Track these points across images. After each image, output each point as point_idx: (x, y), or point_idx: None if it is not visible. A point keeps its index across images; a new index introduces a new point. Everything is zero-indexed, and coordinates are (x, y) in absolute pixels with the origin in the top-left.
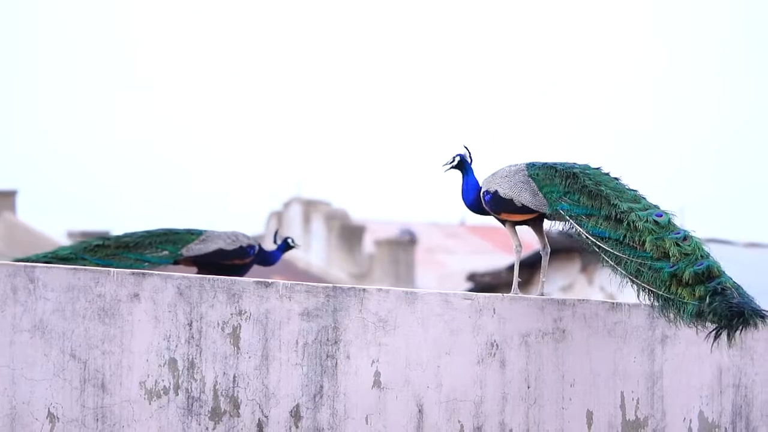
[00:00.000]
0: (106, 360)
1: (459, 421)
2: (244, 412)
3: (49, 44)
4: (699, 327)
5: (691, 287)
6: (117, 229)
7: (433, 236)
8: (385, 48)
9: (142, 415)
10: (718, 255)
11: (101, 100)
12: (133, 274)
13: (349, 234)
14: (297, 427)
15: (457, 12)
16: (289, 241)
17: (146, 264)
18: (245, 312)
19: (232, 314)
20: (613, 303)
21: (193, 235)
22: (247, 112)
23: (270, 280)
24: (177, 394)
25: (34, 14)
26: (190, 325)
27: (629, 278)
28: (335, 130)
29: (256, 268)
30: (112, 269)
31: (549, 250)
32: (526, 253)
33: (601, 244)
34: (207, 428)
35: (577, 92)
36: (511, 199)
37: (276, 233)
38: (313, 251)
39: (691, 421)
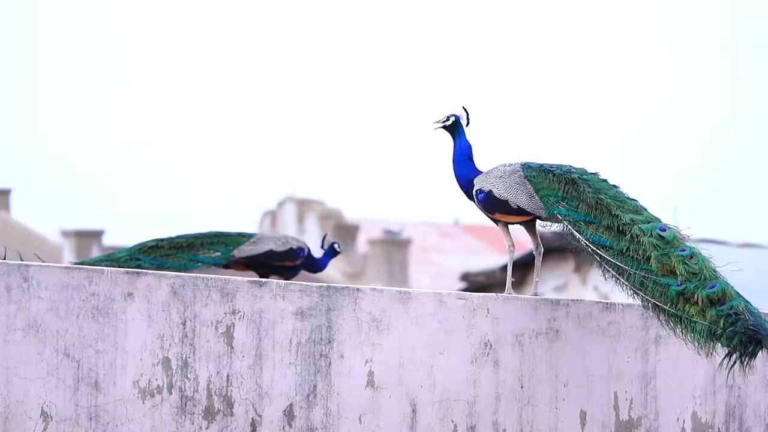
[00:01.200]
0: (99, 359)
1: (452, 421)
2: (237, 412)
3: (44, 43)
4: (708, 348)
5: (700, 307)
6: (111, 228)
7: (427, 236)
8: (380, 47)
9: (136, 414)
10: (714, 255)
11: (95, 99)
12: (127, 273)
13: (343, 233)
14: (290, 426)
15: (451, 13)
16: (336, 246)
17: (199, 264)
18: (239, 311)
19: (225, 313)
20: (607, 303)
21: (244, 237)
22: (242, 111)
23: (264, 280)
24: (170, 393)
25: (30, 13)
26: (184, 324)
27: (632, 289)
28: (329, 129)
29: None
30: (105, 268)
31: (542, 250)
32: (519, 252)
33: (602, 253)
34: (200, 427)
35: (573, 91)
36: (507, 201)
37: (324, 239)
38: None
39: (684, 421)
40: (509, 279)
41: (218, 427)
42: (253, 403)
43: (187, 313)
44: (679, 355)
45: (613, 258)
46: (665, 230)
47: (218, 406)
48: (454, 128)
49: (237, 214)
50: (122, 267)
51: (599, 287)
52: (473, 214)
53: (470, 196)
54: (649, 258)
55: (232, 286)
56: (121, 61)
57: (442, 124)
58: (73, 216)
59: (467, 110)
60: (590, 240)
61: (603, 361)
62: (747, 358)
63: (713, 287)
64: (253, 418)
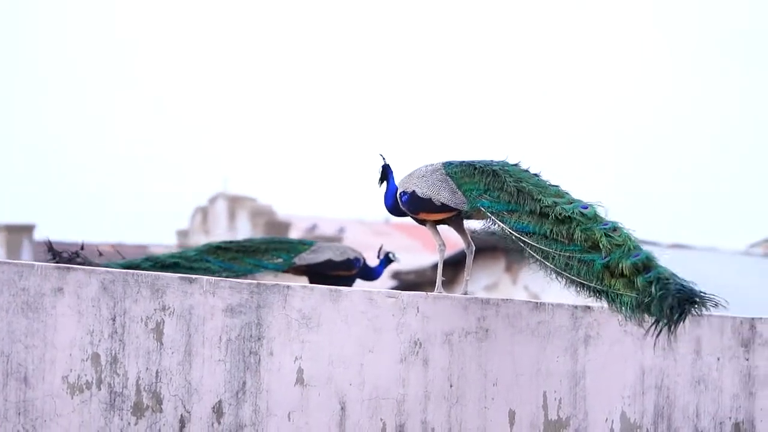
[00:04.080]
0: (29, 354)
1: (381, 419)
2: (166, 408)
3: None
4: (636, 319)
5: (627, 278)
6: (41, 223)
7: (358, 233)
8: (312, 44)
9: (65, 410)
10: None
11: (23, 95)
12: (57, 268)
13: (275, 230)
14: (219, 423)
15: (392, 11)
16: (390, 255)
17: (262, 269)
18: (169, 307)
19: (155, 309)
20: (537, 303)
21: (305, 245)
22: (173, 108)
23: (194, 276)
24: (99, 389)
25: None
26: (114, 319)
27: (557, 272)
28: (262, 126)
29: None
30: (35, 263)
31: (473, 248)
32: (451, 251)
33: (526, 239)
34: (129, 423)
35: (498, 91)
36: (430, 198)
37: (380, 249)
38: None
39: (613, 421)
40: (439, 278)
41: (147, 423)
42: (182, 400)
43: (117, 308)
44: (609, 356)
45: (537, 243)
46: (587, 207)
47: (147, 402)
48: (386, 175)
49: (168, 211)
50: (192, 266)
51: (529, 287)
52: None
53: (401, 214)
54: (573, 235)
55: (162, 282)
56: (44, 59)
57: (382, 180)
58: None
59: (383, 156)
60: (514, 228)
61: (532, 361)
62: (678, 321)
63: (637, 255)
64: (182, 415)
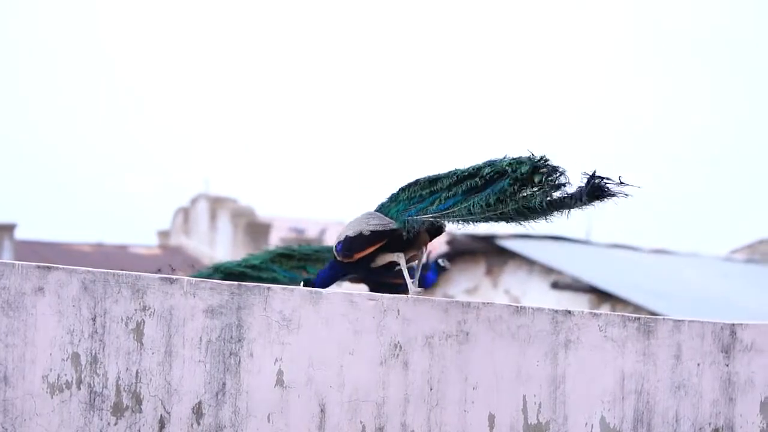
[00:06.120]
0: (9, 353)
1: (361, 422)
2: (146, 408)
3: None
4: (551, 198)
5: (530, 183)
6: (21, 222)
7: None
8: (293, 45)
9: (45, 409)
10: (626, 260)
11: (1, 92)
12: (38, 267)
13: (255, 231)
14: (199, 423)
15: (375, 11)
16: (440, 261)
17: None
18: (149, 308)
19: (136, 310)
20: (518, 306)
21: None
22: (154, 108)
23: (175, 277)
24: (79, 389)
25: None
26: (94, 319)
27: (481, 216)
28: (243, 127)
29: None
30: (16, 262)
31: (416, 290)
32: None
33: (448, 212)
34: (109, 423)
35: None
36: (360, 232)
37: (428, 255)
38: (219, 248)
39: (592, 426)
40: (408, 280)
41: (126, 423)
42: (161, 400)
43: (98, 308)
44: (589, 360)
45: (460, 204)
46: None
47: (127, 403)
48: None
49: (150, 211)
50: (260, 275)
51: (510, 290)
52: None
53: (335, 278)
54: (483, 175)
55: (142, 282)
56: (17, 55)
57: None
58: None
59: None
60: (438, 211)
61: (512, 365)
62: (587, 193)
63: (530, 161)
64: (161, 415)
